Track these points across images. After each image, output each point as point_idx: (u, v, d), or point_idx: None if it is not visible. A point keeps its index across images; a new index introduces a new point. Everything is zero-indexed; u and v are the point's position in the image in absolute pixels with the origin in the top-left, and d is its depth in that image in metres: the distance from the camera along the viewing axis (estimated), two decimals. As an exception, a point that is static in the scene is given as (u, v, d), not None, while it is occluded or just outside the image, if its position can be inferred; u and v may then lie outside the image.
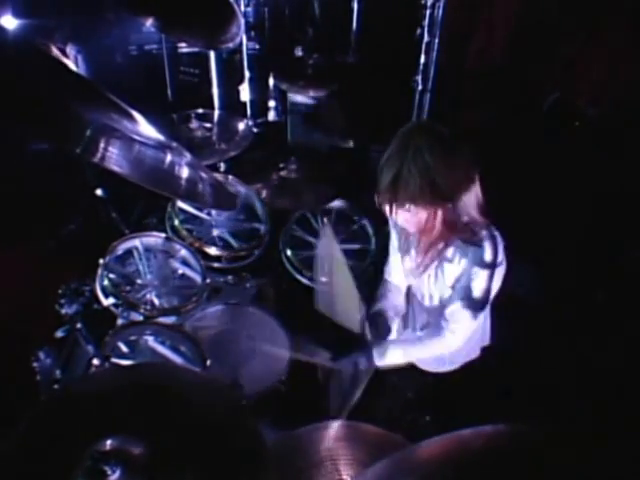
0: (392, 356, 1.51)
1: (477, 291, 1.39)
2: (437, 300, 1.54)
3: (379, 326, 1.59)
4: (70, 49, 2.46)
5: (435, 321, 1.57)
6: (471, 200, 1.33)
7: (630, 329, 2.07)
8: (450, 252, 1.44)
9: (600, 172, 2.54)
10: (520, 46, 2.83)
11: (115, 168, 1.19)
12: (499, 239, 1.38)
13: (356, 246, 2.21)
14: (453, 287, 1.48)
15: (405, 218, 1.37)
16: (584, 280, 2.32)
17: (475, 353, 1.65)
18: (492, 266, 1.37)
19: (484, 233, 1.37)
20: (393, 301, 1.67)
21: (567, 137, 2.77)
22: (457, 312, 1.44)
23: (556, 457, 0.70)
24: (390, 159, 1.29)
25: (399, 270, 1.67)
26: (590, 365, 2.01)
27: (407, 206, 1.31)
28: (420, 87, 2.49)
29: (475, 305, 1.41)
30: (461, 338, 1.48)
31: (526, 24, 2.79)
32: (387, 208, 1.35)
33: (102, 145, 1.20)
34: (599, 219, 2.47)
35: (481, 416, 0.82)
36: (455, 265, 1.43)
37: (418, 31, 2.41)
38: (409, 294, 1.71)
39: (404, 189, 1.26)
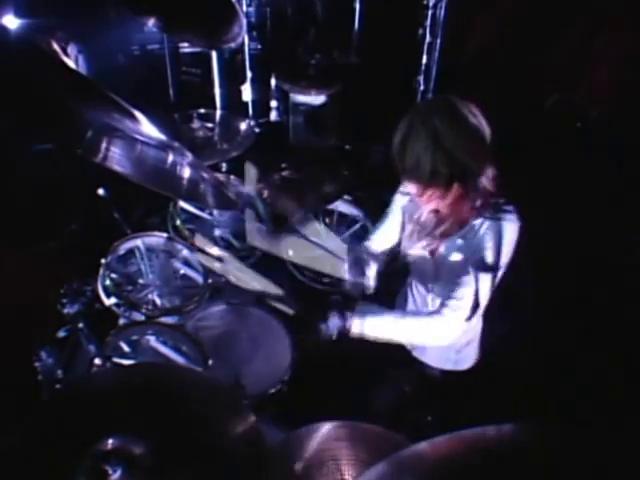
0: (377, 324, 1.37)
1: (489, 257, 1.34)
2: (446, 283, 1.46)
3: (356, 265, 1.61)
4: (72, 49, 2.47)
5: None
6: (485, 176, 1.31)
7: (630, 329, 2.07)
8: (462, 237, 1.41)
9: (601, 172, 2.54)
10: (521, 46, 2.83)
11: (117, 168, 1.19)
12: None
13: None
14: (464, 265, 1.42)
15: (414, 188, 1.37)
16: (584, 280, 2.32)
17: (478, 356, 1.66)
18: (495, 267, 1.34)
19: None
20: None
21: (568, 138, 2.76)
22: (464, 285, 1.35)
23: (557, 457, 0.70)
24: (401, 124, 1.31)
25: (389, 238, 1.67)
26: (590, 365, 2.01)
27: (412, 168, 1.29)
28: (422, 87, 2.50)
29: (486, 269, 1.34)
30: (459, 321, 1.34)
31: (527, 24, 2.79)
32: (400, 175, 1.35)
33: (104, 145, 1.20)
34: (599, 219, 2.47)
35: (482, 416, 0.82)
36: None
37: (420, 31, 2.42)
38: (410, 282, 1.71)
39: (411, 149, 1.28)
